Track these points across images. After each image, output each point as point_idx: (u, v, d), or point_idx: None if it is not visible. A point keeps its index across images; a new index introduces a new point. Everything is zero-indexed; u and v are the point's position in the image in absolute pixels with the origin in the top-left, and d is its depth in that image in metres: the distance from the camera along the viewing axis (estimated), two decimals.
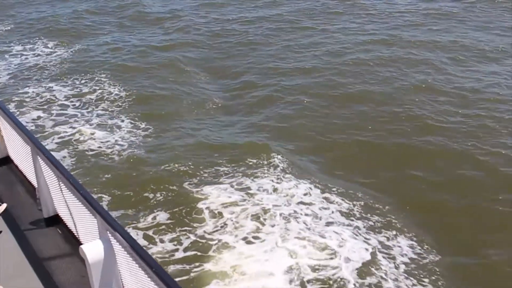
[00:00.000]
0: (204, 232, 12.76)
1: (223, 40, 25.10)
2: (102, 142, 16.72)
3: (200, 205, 13.65)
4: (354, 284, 11.21)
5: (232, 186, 14.38)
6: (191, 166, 15.25)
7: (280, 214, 13.27)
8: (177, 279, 10.92)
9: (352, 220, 13.10)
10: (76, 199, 5.60)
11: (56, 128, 17.73)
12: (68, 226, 6.41)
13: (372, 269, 11.60)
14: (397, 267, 11.68)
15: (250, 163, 15.43)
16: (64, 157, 15.92)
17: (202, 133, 17.29)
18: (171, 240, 12.47)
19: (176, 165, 15.29)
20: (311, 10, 28.25)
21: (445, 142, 16.14)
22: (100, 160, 15.80)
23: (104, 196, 13.92)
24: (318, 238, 12.44)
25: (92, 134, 17.25)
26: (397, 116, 17.67)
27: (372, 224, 12.99)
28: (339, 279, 11.33)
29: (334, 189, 14.24)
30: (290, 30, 25.85)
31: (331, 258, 11.86)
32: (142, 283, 4.48)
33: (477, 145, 15.88)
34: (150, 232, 12.67)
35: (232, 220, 13.13)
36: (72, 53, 24.24)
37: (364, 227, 12.85)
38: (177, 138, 16.92)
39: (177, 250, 12.20)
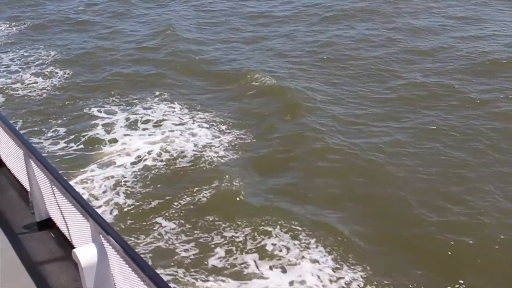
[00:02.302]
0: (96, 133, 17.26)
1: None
2: (33, 87, 21.33)
3: (98, 126, 17.80)
4: None
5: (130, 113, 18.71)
6: (101, 100, 19.64)
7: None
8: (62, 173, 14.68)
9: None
10: (68, 202, 5.64)
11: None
12: (61, 229, 6.45)
13: None
14: None
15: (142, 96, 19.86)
16: None
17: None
18: (65, 142, 16.89)
19: (86, 100, 19.75)
20: None
21: None
22: (26, 98, 20.32)
23: (19, 121, 18.29)
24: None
25: (28, 80, 21.96)
26: None
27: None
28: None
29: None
30: None
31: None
32: (135, 287, 4.50)
33: None
34: (50, 140, 17.06)
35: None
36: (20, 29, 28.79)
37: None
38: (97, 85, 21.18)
39: (71, 147, 16.66)
